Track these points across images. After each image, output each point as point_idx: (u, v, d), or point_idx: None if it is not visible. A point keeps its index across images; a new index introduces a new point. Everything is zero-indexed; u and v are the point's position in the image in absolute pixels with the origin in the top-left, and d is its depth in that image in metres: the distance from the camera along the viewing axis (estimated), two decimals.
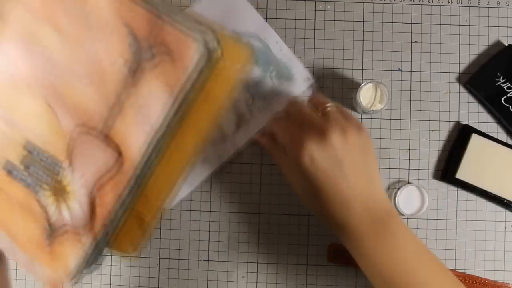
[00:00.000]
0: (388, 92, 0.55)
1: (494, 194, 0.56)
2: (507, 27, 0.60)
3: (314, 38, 0.60)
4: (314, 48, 0.60)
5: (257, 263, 0.58)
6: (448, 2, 0.60)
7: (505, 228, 0.58)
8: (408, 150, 0.59)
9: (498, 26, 0.60)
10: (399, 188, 0.57)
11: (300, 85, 0.59)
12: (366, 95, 0.55)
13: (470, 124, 0.58)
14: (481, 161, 0.57)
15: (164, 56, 0.34)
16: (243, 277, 0.58)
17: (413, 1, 0.60)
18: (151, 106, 0.35)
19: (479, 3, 0.60)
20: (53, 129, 0.37)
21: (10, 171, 0.38)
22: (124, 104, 0.36)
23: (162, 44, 0.34)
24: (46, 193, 0.38)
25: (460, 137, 0.57)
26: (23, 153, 0.38)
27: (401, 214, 0.57)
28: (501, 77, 0.57)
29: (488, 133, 0.58)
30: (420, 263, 0.42)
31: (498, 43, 0.59)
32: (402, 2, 0.60)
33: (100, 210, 0.37)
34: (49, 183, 0.38)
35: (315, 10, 0.61)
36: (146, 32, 0.34)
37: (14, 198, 0.38)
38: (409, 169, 0.59)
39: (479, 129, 0.58)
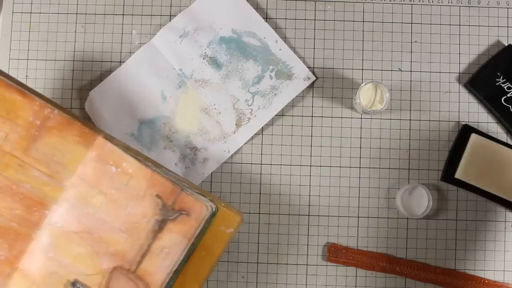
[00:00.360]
0: (388, 92, 0.55)
1: (494, 194, 0.56)
2: (507, 27, 0.60)
3: (314, 38, 0.60)
4: (314, 48, 0.60)
5: (257, 263, 0.58)
6: (448, 2, 0.60)
7: (505, 228, 0.58)
8: (408, 150, 0.59)
9: (498, 26, 0.60)
10: (399, 188, 0.57)
11: (300, 83, 0.59)
12: (366, 95, 0.55)
13: (470, 124, 0.58)
14: (481, 161, 0.57)
15: (183, 215, 0.48)
16: (243, 277, 0.58)
17: (413, 1, 0.60)
18: (172, 248, 0.48)
19: (479, 3, 0.60)
20: (95, 269, 0.48)
21: None
22: (151, 247, 0.48)
23: (181, 207, 0.48)
24: None
25: (460, 137, 0.57)
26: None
27: (401, 214, 0.57)
28: (501, 77, 0.57)
29: (488, 133, 0.58)
30: None
31: (498, 43, 0.59)
32: (402, 2, 0.60)
33: None
34: None
35: (315, 10, 0.61)
36: (171, 198, 0.48)
37: None
38: (409, 169, 0.59)
39: (479, 129, 0.58)
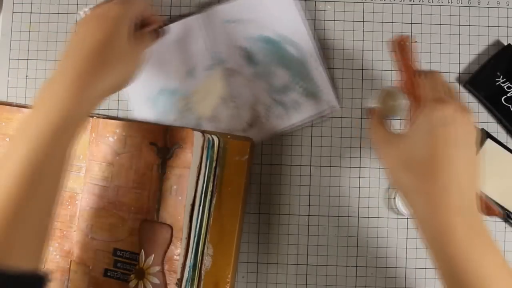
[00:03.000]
0: (405, 98, 0.51)
1: (496, 202, 0.56)
2: (507, 27, 0.60)
3: (314, 39, 0.60)
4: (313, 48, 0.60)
5: (257, 263, 0.58)
6: (448, 2, 0.60)
7: (505, 228, 0.58)
8: None
9: (498, 26, 0.60)
10: None
11: (323, 109, 0.59)
12: (384, 101, 0.53)
13: None
14: (490, 167, 0.56)
15: (177, 147, 0.52)
16: (243, 277, 0.58)
17: (413, 1, 0.60)
18: (179, 183, 0.52)
19: (479, 3, 0.60)
20: (128, 232, 0.52)
21: (105, 273, 0.52)
22: (162, 191, 0.52)
23: (173, 142, 0.52)
24: (132, 277, 0.52)
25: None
26: (113, 258, 0.52)
27: (401, 214, 0.57)
28: (501, 77, 0.57)
29: (488, 133, 0.58)
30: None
31: (498, 43, 0.59)
32: (402, 2, 0.60)
33: (172, 274, 0.50)
34: (131, 270, 0.52)
35: (315, 10, 0.61)
36: (162, 140, 0.53)
37: None
38: None
39: None
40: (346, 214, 0.58)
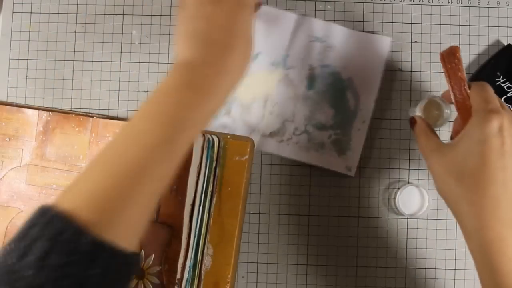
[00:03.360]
0: (448, 108, 0.52)
1: None
2: (507, 27, 0.60)
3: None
4: None
5: (257, 263, 0.58)
6: (448, 2, 0.60)
7: None
8: (408, 150, 0.59)
9: (498, 26, 0.60)
10: (399, 188, 0.57)
11: (338, 167, 0.57)
12: (426, 110, 0.53)
13: None
14: None
15: None
16: (243, 277, 0.58)
17: (413, 1, 0.60)
18: (178, 184, 0.50)
19: (479, 3, 0.60)
20: None
21: None
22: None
23: None
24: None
25: None
26: None
27: (401, 214, 0.57)
28: (501, 77, 0.57)
29: None
30: None
31: (498, 43, 0.59)
32: (402, 2, 0.60)
33: (172, 274, 0.50)
34: None
35: (315, 10, 0.61)
36: None
37: None
38: (409, 169, 0.59)
39: None
40: (346, 214, 0.58)
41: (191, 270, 0.52)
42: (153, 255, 0.51)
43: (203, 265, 0.53)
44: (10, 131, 0.56)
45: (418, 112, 0.53)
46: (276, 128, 0.58)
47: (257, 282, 0.58)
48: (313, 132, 0.58)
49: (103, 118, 0.56)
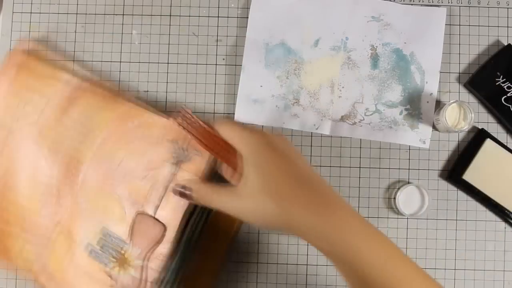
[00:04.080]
0: (472, 112, 0.54)
1: (495, 202, 0.56)
2: (507, 27, 0.60)
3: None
4: None
5: (257, 263, 0.58)
6: (448, 2, 0.60)
7: (505, 228, 0.58)
8: (408, 150, 0.59)
9: (498, 26, 0.60)
10: (399, 188, 0.57)
11: (411, 140, 0.58)
12: (451, 114, 0.55)
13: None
14: (490, 167, 0.56)
15: (196, 154, 0.50)
16: (243, 277, 0.58)
17: (413, 1, 0.60)
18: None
19: (479, 3, 0.60)
20: (121, 218, 0.51)
21: (90, 251, 0.51)
22: (167, 190, 0.50)
23: (194, 147, 0.50)
24: (113, 264, 0.51)
25: (474, 139, 0.57)
26: (100, 236, 0.51)
27: (401, 214, 0.57)
28: (501, 76, 0.57)
29: (489, 133, 0.58)
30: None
31: (498, 43, 0.59)
32: (402, 2, 0.60)
33: (152, 273, 0.49)
34: (115, 256, 0.51)
35: None
36: (185, 142, 0.51)
37: (89, 272, 0.52)
38: (409, 169, 0.59)
39: None
40: None
41: (173, 273, 0.51)
42: (140, 249, 0.50)
43: (186, 270, 0.53)
44: (40, 85, 0.55)
45: (442, 115, 0.54)
46: (347, 111, 0.59)
47: (257, 282, 0.58)
48: (384, 111, 0.58)
49: (129, 101, 0.55)
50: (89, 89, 0.55)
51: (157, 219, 0.50)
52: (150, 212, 0.51)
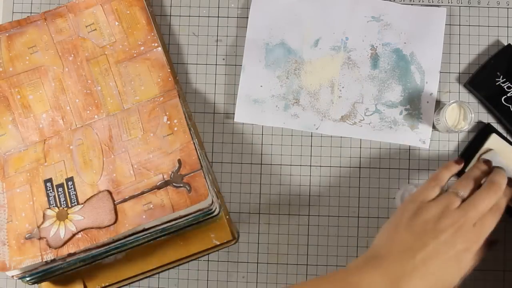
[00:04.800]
0: (472, 112, 0.54)
1: None
2: (507, 27, 0.60)
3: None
4: None
5: (257, 263, 0.58)
6: (448, 2, 0.60)
7: (505, 228, 0.58)
8: (408, 150, 0.59)
9: (498, 26, 0.60)
10: (399, 188, 0.57)
11: (412, 140, 0.58)
12: (451, 115, 0.55)
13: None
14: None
15: (186, 189, 0.51)
16: (243, 277, 0.58)
17: (413, 1, 0.60)
18: (155, 209, 0.50)
19: (479, 3, 0.60)
20: (91, 182, 0.52)
21: (46, 184, 0.53)
22: (142, 196, 0.51)
23: (190, 181, 0.51)
24: (54, 210, 0.52)
25: (479, 134, 0.57)
26: (64, 178, 0.53)
27: None
28: (501, 76, 0.57)
29: None
30: None
31: (498, 43, 0.59)
32: (402, 2, 0.60)
33: (72, 247, 0.50)
34: (61, 206, 0.52)
35: None
36: (187, 170, 0.51)
37: (34, 201, 0.52)
38: (409, 169, 0.59)
39: None
40: (346, 214, 0.58)
41: (87, 258, 0.52)
42: (83, 218, 0.51)
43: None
44: (125, 22, 0.57)
45: (442, 116, 0.54)
46: (347, 111, 0.59)
47: (257, 282, 0.58)
48: (384, 111, 0.58)
49: (179, 98, 0.55)
50: (160, 60, 0.56)
51: (115, 211, 0.51)
52: (116, 200, 0.51)
